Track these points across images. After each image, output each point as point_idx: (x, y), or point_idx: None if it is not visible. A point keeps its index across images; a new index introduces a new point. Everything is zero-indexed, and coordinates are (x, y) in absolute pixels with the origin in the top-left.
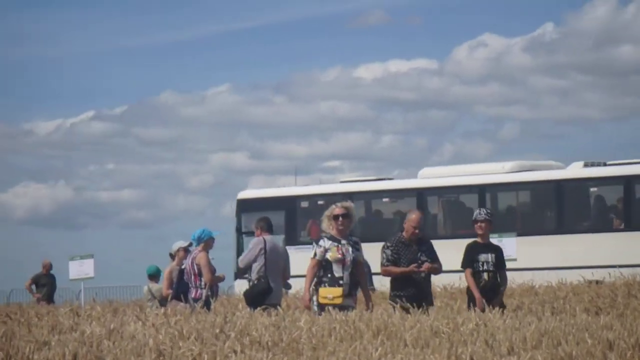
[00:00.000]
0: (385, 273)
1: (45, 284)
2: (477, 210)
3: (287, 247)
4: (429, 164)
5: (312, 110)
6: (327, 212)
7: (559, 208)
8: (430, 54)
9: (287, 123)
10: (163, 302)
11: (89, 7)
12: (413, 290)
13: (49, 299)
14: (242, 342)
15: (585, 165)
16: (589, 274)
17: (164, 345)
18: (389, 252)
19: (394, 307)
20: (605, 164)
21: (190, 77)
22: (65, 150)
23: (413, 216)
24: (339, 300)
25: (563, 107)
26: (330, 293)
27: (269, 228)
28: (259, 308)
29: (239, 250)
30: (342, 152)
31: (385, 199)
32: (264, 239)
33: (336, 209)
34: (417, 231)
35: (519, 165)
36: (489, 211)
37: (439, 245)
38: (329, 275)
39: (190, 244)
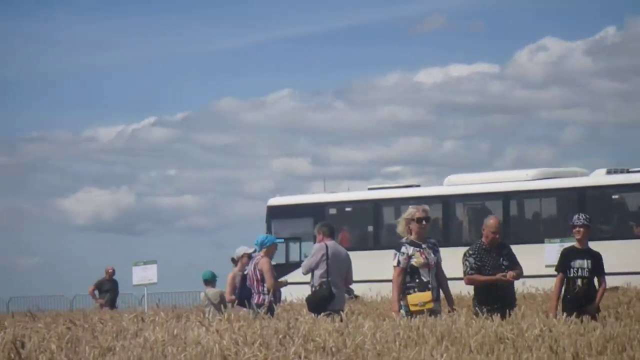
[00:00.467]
0: (469, 282)
1: (108, 290)
2: (576, 215)
3: None
4: (491, 169)
5: (372, 115)
6: (405, 216)
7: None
8: (491, 58)
9: (348, 128)
10: (219, 306)
11: (151, 14)
12: (498, 297)
13: (112, 304)
14: (306, 347)
15: (608, 172)
16: (611, 281)
17: (228, 351)
18: (472, 260)
19: (478, 315)
20: (628, 171)
21: (251, 83)
22: (127, 156)
23: (491, 221)
24: (430, 305)
25: (625, 111)
26: (420, 299)
27: (330, 233)
28: (322, 314)
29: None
30: (404, 158)
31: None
32: (325, 244)
33: (417, 212)
34: (497, 236)
35: (543, 172)
36: (587, 216)
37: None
38: (417, 281)
39: (254, 250)
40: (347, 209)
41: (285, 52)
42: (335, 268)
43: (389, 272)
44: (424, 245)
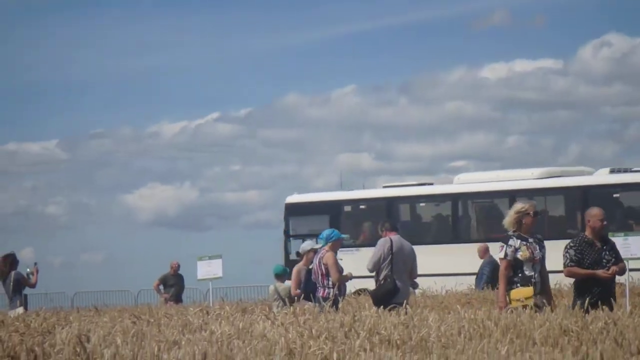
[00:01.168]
0: (568, 274)
1: (173, 285)
2: None
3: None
4: (555, 164)
5: (436, 111)
6: (517, 209)
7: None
8: (555, 54)
9: (412, 124)
10: (288, 301)
11: (214, 12)
12: (599, 291)
13: (177, 299)
14: (371, 340)
15: (612, 171)
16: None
17: (294, 344)
18: (572, 252)
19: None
20: (630, 170)
21: (316, 79)
22: (191, 152)
23: (596, 211)
24: (530, 301)
25: None
26: (521, 294)
27: (393, 228)
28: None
29: (287, 252)
30: (468, 153)
31: (422, 204)
32: (390, 238)
33: (529, 206)
34: (605, 223)
35: (548, 172)
36: None
37: (473, 248)
38: (520, 275)
39: (321, 246)
40: (362, 207)
41: (349, 48)
42: (400, 262)
43: None
44: (530, 239)
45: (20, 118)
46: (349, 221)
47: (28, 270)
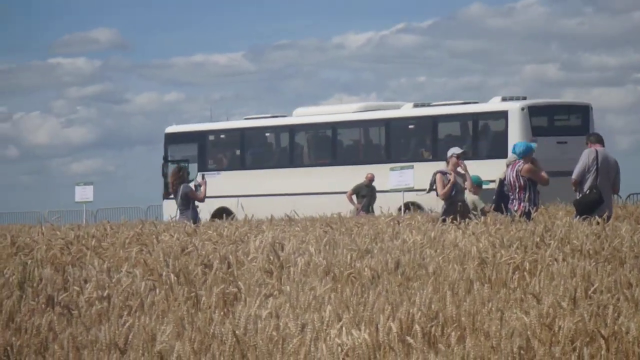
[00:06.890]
0: None
1: (365, 195)
2: None
3: (199, 173)
4: None
5: (623, 20)
6: None
7: (388, 142)
8: None
9: (598, 34)
10: (482, 212)
11: None
12: None
13: (368, 209)
14: (563, 250)
15: (415, 105)
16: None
17: (485, 253)
18: None
19: None
20: (429, 105)
21: None
22: (376, 63)
23: None
24: None
25: None
26: None
27: (599, 140)
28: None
29: (165, 176)
30: None
31: (268, 134)
32: (595, 150)
33: None
34: None
35: (365, 106)
36: None
37: (303, 173)
38: None
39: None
40: (222, 136)
41: None
42: (605, 174)
43: (254, 189)
44: None
45: (207, 29)
46: (214, 149)
47: (194, 182)
